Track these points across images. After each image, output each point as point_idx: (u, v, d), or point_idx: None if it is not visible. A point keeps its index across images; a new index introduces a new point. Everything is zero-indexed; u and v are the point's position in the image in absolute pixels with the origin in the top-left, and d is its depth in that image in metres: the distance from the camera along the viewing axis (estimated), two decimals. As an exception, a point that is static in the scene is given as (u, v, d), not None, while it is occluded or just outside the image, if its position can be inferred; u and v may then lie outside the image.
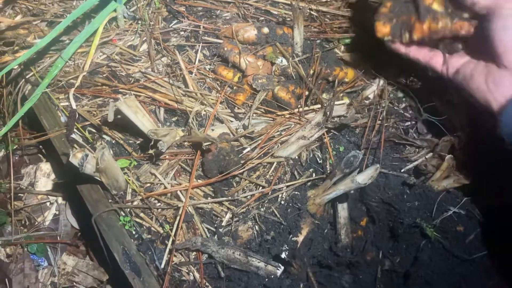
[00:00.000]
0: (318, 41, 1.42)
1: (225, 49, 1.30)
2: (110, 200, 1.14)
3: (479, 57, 1.01)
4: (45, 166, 1.52)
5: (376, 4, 1.22)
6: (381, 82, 1.34)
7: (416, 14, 1.04)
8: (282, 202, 1.16)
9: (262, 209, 1.14)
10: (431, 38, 1.07)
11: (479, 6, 0.96)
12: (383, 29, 1.10)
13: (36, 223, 1.43)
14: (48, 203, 1.48)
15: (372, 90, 1.34)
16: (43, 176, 1.50)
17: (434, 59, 1.09)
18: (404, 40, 1.08)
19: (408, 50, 1.12)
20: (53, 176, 1.52)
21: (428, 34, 1.05)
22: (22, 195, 1.48)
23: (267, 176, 1.18)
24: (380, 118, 1.27)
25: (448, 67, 1.06)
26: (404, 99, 1.33)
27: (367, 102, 1.32)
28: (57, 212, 1.46)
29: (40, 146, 1.53)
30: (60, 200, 1.47)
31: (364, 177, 1.08)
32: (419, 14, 1.03)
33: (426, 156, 1.26)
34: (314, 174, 1.21)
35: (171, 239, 1.07)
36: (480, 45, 0.99)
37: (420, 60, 1.11)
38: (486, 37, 0.95)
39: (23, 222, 1.44)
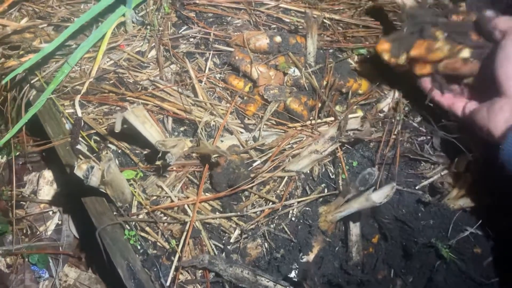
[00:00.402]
0: (331, 51, 1.38)
1: (236, 57, 1.26)
2: (115, 213, 1.10)
3: (485, 97, 1.04)
4: (48, 174, 1.49)
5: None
6: (396, 94, 1.30)
7: (420, 36, 1.12)
8: (293, 219, 1.12)
9: (272, 226, 1.10)
10: (426, 59, 1.12)
11: (499, 29, 1.02)
12: (384, 45, 1.16)
13: (38, 232, 1.40)
14: (50, 212, 1.44)
15: (386, 102, 1.30)
16: (46, 184, 1.47)
17: (456, 104, 1.14)
18: (400, 61, 1.15)
19: (433, 94, 1.18)
20: (56, 184, 1.48)
21: (424, 53, 1.10)
22: (24, 203, 1.45)
23: (278, 191, 1.15)
24: (395, 133, 1.23)
25: (464, 111, 1.12)
26: (419, 113, 1.29)
27: (381, 115, 1.28)
28: (59, 222, 1.42)
29: (44, 154, 1.49)
30: (62, 209, 1.43)
31: (379, 196, 1.04)
32: (423, 34, 1.11)
33: (442, 173, 1.21)
34: (326, 190, 1.17)
35: (177, 255, 1.04)
36: (486, 84, 1.03)
37: (443, 104, 1.17)
38: (491, 70, 1.00)
39: (24, 231, 1.40)
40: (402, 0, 1.25)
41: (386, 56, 1.17)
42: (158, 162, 1.08)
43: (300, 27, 1.38)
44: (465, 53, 1.09)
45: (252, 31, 1.35)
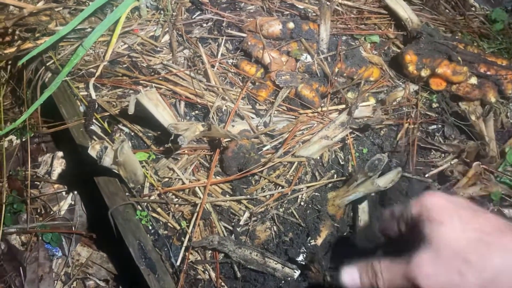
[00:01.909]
0: (344, 38, 1.38)
1: (249, 43, 1.26)
2: (127, 194, 1.12)
3: None
4: (62, 155, 1.51)
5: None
6: (408, 82, 1.30)
7: (446, 58, 1.27)
8: (302, 203, 1.13)
9: (281, 210, 1.11)
10: (448, 79, 1.26)
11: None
12: (412, 56, 1.28)
13: (52, 212, 1.42)
14: (64, 193, 1.47)
15: (398, 91, 1.30)
16: (60, 165, 1.50)
17: None
18: (423, 73, 1.26)
19: None
20: (69, 165, 1.51)
21: (450, 74, 1.24)
22: (38, 183, 1.47)
23: (287, 176, 1.16)
24: (407, 121, 1.23)
25: None
26: (431, 101, 1.29)
27: (393, 103, 1.28)
28: (72, 202, 1.45)
29: (57, 135, 1.51)
30: (75, 190, 1.46)
31: (385, 181, 1.05)
32: (451, 57, 1.27)
33: (452, 162, 1.22)
34: (335, 176, 1.18)
35: (187, 236, 1.05)
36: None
37: None
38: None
39: (38, 211, 1.43)
40: (408, 16, 1.40)
41: (411, 67, 1.28)
42: (170, 145, 1.09)
43: (313, 13, 1.38)
44: (473, 80, 1.27)
45: (265, 17, 1.35)
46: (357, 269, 0.71)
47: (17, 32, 1.35)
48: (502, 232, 0.62)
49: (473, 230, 0.62)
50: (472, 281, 0.59)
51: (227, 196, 1.12)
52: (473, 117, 1.21)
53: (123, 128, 1.22)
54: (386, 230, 0.76)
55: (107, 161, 1.00)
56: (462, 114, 1.25)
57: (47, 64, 1.33)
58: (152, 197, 1.11)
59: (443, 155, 1.24)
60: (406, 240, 0.69)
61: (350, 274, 0.71)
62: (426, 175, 1.20)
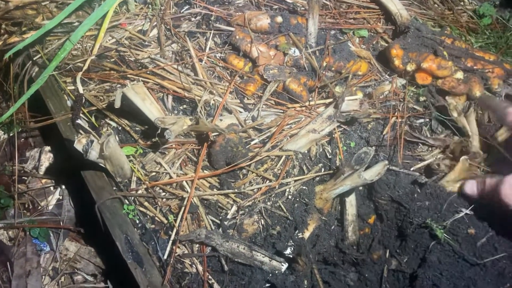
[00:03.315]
0: (332, 32, 1.38)
1: (237, 37, 1.26)
2: (114, 188, 1.12)
3: None
4: (50, 150, 1.50)
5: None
6: (395, 76, 1.30)
7: (432, 52, 1.28)
8: (289, 197, 1.13)
9: (268, 203, 1.11)
10: (433, 74, 1.26)
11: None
12: (398, 50, 1.29)
13: (39, 207, 1.42)
14: (52, 187, 1.46)
15: (385, 85, 1.30)
16: (48, 160, 1.49)
17: None
18: (408, 68, 1.27)
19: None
20: (56, 160, 1.50)
21: (435, 68, 1.24)
22: (26, 178, 1.47)
23: (275, 170, 1.16)
24: (394, 115, 1.24)
25: None
26: (419, 95, 1.30)
27: (380, 97, 1.28)
28: (60, 197, 1.44)
29: (45, 130, 1.51)
30: (63, 185, 1.45)
31: (371, 174, 1.06)
32: (436, 52, 1.27)
33: (438, 156, 1.22)
34: (323, 169, 1.18)
35: (175, 230, 1.05)
36: None
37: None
38: None
39: (26, 206, 1.42)
40: (398, 11, 1.41)
41: (396, 61, 1.29)
42: (157, 139, 1.09)
43: (302, 7, 1.38)
44: (459, 75, 1.27)
45: (254, 11, 1.35)
46: (475, 181, 1.07)
47: (3, 26, 1.34)
48: None
49: None
50: None
51: (215, 190, 1.12)
52: (454, 114, 1.22)
53: (111, 122, 1.22)
54: None
55: (93, 155, 1.00)
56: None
57: (34, 59, 1.32)
58: (139, 191, 1.11)
59: (430, 148, 1.24)
60: None
61: (470, 184, 1.08)
62: (412, 169, 1.21)
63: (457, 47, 1.34)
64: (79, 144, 1.00)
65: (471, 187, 1.09)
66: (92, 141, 0.98)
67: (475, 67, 1.32)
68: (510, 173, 0.99)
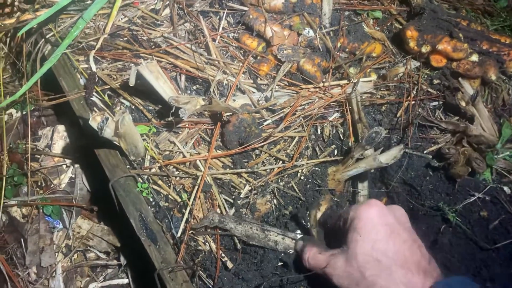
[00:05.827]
0: (347, 13, 1.37)
1: (251, 17, 1.25)
2: (128, 166, 1.12)
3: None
4: (62, 128, 1.51)
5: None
6: (409, 59, 1.29)
7: (448, 34, 1.26)
8: (302, 178, 1.13)
9: (281, 183, 1.12)
10: (448, 56, 1.25)
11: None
12: (413, 32, 1.27)
13: (52, 185, 1.43)
14: (64, 166, 1.47)
15: (400, 67, 1.29)
16: (60, 139, 1.49)
17: None
18: (423, 49, 1.26)
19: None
20: (69, 138, 1.51)
21: (450, 50, 1.24)
22: (38, 156, 1.47)
23: (288, 151, 1.16)
24: (408, 97, 1.23)
25: None
26: (433, 77, 1.28)
27: (394, 79, 1.27)
28: (73, 175, 1.45)
29: (57, 108, 1.51)
30: (76, 163, 1.46)
31: (387, 157, 1.05)
32: (452, 34, 1.26)
33: (451, 139, 1.22)
34: (335, 151, 1.18)
35: (188, 208, 1.06)
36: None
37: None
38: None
39: (39, 184, 1.43)
40: None
41: (411, 43, 1.27)
42: (171, 118, 1.09)
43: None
44: (474, 57, 1.27)
45: (267, -10, 1.33)
46: (303, 245, 0.98)
47: (16, 3, 1.33)
48: (401, 264, 0.79)
49: (379, 251, 0.81)
50: None
51: (228, 169, 1.12)
52: (462, 103, 1.20)
53: (124, 101, 1.22)
54: (331, 221, 1.01)
55: (108, 132, 1.00)
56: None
57: (47, 37, 1.32)
58: (153, 170, 1.11)
59: (443, 132, 1.24)
60: (341, 233, 0.90)
61: (299, 245, 1.01)
62: (425, 152, 1.21)
63: (472, 29, 1.33)
64: (94, 121, 1.00)
65: (299, 247, 1.01)
66: (107, 119, 0.98)
67: (490, 50, 1.30)
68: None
